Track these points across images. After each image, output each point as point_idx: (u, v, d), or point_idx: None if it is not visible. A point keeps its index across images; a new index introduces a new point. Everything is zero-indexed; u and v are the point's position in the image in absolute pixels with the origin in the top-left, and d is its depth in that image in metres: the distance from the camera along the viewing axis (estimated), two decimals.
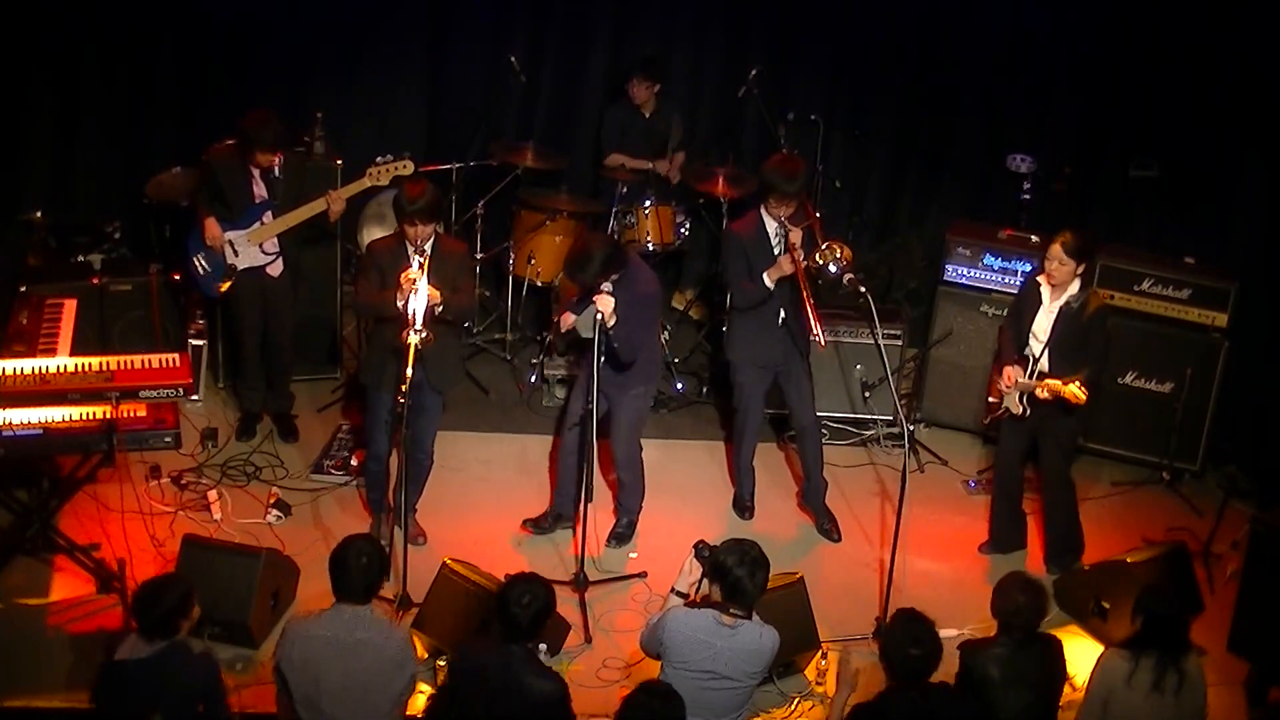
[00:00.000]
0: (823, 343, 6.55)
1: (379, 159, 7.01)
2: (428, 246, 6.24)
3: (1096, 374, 6.46)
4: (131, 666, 4.80)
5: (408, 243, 6.27)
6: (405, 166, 7.01)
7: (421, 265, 6.12)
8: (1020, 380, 6.49)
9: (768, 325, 6.71)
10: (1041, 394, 6.36)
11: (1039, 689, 5.12)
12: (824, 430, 7.69)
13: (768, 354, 6.79)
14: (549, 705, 4.81)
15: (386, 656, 4.87)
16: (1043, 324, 6.50)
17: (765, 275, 6.54)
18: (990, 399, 6.76)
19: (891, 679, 4.88)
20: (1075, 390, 6.22)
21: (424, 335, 5.93)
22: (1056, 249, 6.37)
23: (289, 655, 4.88)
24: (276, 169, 7.00)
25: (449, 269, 6.31)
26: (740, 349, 6.87)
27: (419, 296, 6.01)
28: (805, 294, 6.46)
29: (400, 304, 6.09)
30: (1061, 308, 6.44)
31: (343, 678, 4.83)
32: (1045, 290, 6.50)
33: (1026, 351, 6.55)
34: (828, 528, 7.08)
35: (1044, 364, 6.47)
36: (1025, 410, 6.53)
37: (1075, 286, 6.44)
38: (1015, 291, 7.73)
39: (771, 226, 6.61)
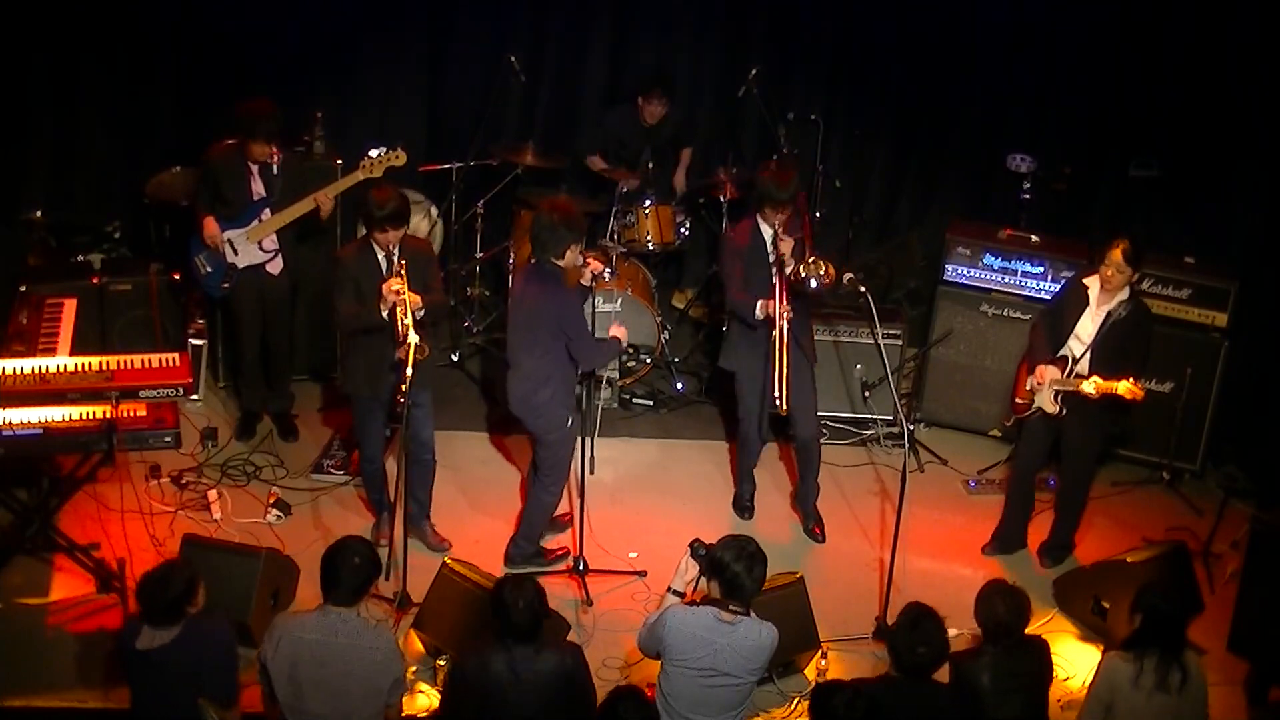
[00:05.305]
0: (783, 410, 6.51)
1: (372, 151, 7.00)
2: (396, 250, 6.23)
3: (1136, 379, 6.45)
4: (160, 653, 4.83)
5: (377, 248, 6.25)
6: (398, 157, 7.00)
7: (401, 274, 6.09)
8: (1057, 380, 6.49)
9: (763, 334, 6.67)
10: (1089, 390, 6.33)
11: (1030, 692, 5.14)
12: (824, 430, 7.71)
13: (764, 361, 6.75)
14: (562, 681, 4.89)
15: (372, 660, 4.88)
16: (1087, 327, 6.47)
17: (757, 308, 6.52)
18: (1017, 399, 6.73)
19: (897, 672, 4.89)
20: (1131, 386, 6.22)
21: (420, 341, 5.91)
22: (1117, 256, 6.31)
23: (275, 655, 4.89)
24: (274, 165, 7.01)
25: (419, 268, 6.27)
26: (740, 360, 6.84)
27: (405, 304, 5.99)
28: (781, 288, 6.47)
29: (385, 313, 6.08)
30: (1110, 311, 6.42)
31: (328, 681, 4.84)
32: (1093, 293, 6.47)
33: (1064, 352, 6.53)
34: (813, 529, 7.07)
35: (1083, 366, 6.46)
36: (1061, 410, 6.52)
37: (1125, 292, 6.42)
38: (1015, 291, 7.78)
39: (768, 234, 6.60)
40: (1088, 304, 6.49)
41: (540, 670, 4.87)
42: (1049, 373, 6.50)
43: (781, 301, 6.48)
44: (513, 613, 4.85)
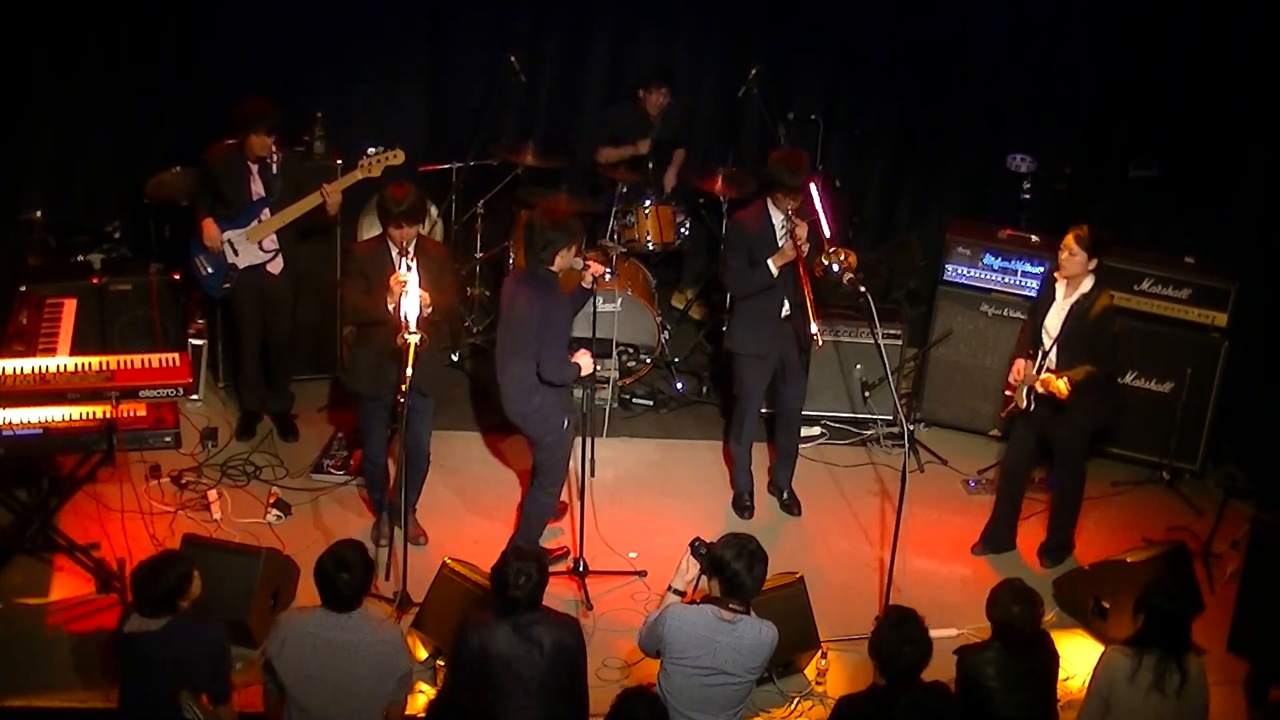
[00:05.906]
0: (819, 342, 6.58)
1: (370, 150, 7.00)
2: (410, 247, 6.24)
3: (1103, 373, 6.43)
4: (145, 640, 4.84)
5: (392, 244, 6.26)
6: (396, 156, 6.99)
7: (410, 267, 6.11)
8: (1028, 374, 6.49)
9: (770, 316, 6.74)
10: (1040, 388, 6.35)
11: (1037, 690, 5.14)
12: (824, 431, 7.75)
13: (769, 344, 6.80)
14: (562, 653, 4.94)
15: (378, 656, 4.88)
16: (1054, 320, 6.49)
17: (770, 261, 6.56)
18: (1007, 393, 6.75)
19: (883, 676, 4.88)
20: (1060, 385, 6.20)
21: (420, 336, 5.93)
22: (1069, 239, 6.34)
23: (281, 653, 4.89)
24: (274, 165, 7.01)
25: (433, 269, 6.29)
26: (741, 339, 6.88)
27: (410, 298, 6.01)
28: (807, 289, 6.49)
29: (391, 306, 6.08)
30: (1073, 305, 6.42)
31: (335, 677, 4.84)
32: (1060, 286, 6.48)
33: (1041, 348, 6.55)
34: (788, 503, 7.18)
35: (1052, 359, 6.46)
36: (1030, 405, 6.52)
37: (1089, 284, 6.42)
38: (1015, 291, 7.79)
39: (778, 219, 6.63)
40: (1055, 298, 6.50)
41: (541, 644, 4.90)
42: (1025, 368, 6.52)
43: (806, 285, 6.51)
44: (513, 589, 4.88)
